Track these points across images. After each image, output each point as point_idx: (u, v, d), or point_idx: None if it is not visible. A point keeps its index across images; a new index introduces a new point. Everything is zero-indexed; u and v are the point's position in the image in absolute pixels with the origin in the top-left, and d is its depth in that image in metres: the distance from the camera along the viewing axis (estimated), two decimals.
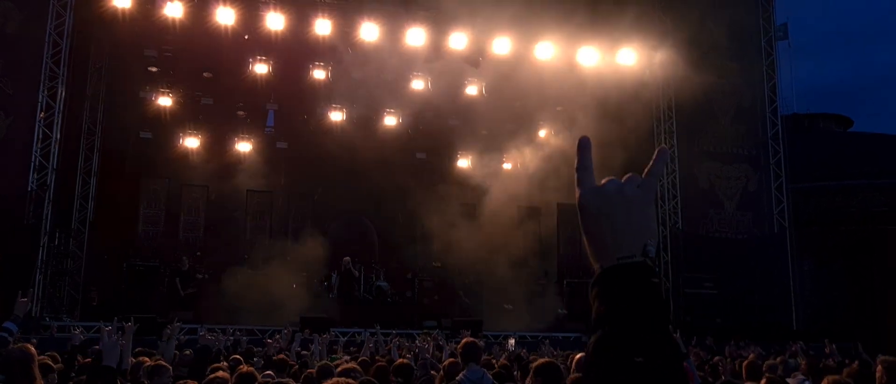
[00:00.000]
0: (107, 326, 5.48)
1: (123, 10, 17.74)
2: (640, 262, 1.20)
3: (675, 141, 21.53)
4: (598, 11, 19.82)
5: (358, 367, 6.14)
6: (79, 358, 8.10)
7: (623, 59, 20.82)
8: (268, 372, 6.80)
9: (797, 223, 22.04)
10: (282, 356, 8.16)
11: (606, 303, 1.17)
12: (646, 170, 1.30)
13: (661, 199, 21.51)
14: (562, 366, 5.79)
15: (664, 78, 21.07)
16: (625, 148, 20.21)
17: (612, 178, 1.30)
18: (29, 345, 4.89)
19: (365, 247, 21.15)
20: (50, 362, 5.81)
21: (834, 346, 12.18)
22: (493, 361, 8.31)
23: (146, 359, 5.62)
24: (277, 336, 12.79)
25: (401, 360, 6.71)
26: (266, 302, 18.03)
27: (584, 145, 1.34)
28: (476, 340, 6.76)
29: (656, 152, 1.32)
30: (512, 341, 14.05)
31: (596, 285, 1.21)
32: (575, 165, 1.30)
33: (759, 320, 19.26)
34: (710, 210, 21.45)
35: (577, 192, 1.29)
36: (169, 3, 17.94)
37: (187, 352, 8.72)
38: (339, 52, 19.63)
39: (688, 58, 20.29)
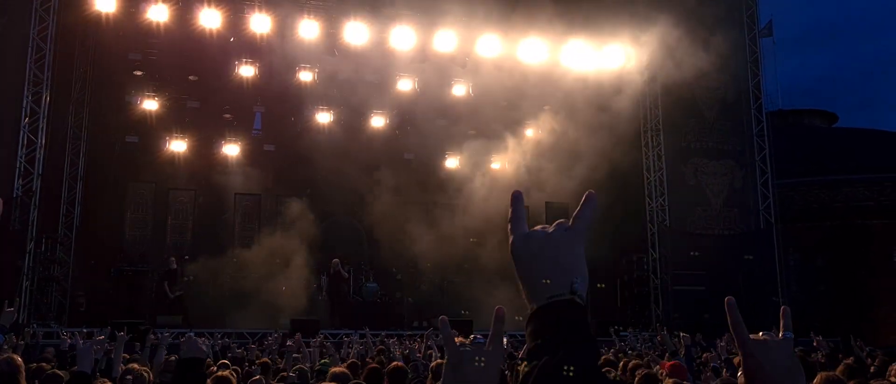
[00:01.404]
0: (68, 331, 5.46)
1: (107, 14, 17.65)
2: (567, 300, 1.29)
3: (661, 138, 21.65)
4: (582, 9, 19.89)
5: (347, 372, 6.14)
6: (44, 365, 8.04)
7: (608, 56, 20.91)
8: (257, 377, 6.79)
9: (783, 219, 22.19)
10: (265, 360, 8.14)
11: (538, 338, 1.26)
12: (573, 214, 1.38)
13: (649, 197, 21.63)
14: None
15: (650, 75, 21.18)
16: (612, 145, 20.33)
17: (543, 226, 1.39)
18: (15, 356, 4.87)
19: (354, 249, 21.14)
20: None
21: (821, 340, 12.26)
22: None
23: (135, 365, 5.60)
24: (268, 339, 12.77)
25: (395, 364, 6.71)
26: (255, 305, 18.00)
27: (516, 198, 1.43)
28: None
29: (585, 197, 1.39)
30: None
31: (530, 323, 1.30)
32: (508, 217, 1.39)
33: (747, 316, 19.36)
34: (697, 207, 21.57)
35: (510, 239, 1.38)
36: (153, 7, 17.87)
37: (172, 357, 8.69)
38: (326, 53, 19.62)
39: (673, 55, 20.38)
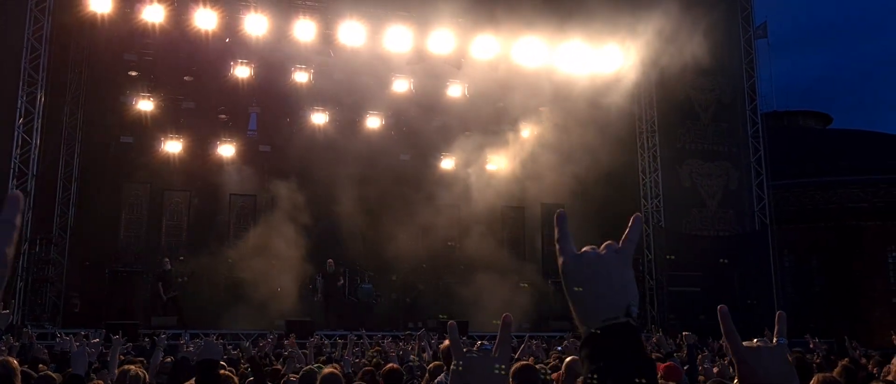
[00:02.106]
0: (65, 333, 5.45)
1: (102, 15, 17.61)
2: (624, 323, 1.28)
3: (656, 139, 21.69)
4: (578, 11, 19.90)
5: (338, 372, 6.12)
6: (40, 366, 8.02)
7: (603, 57, 20.92)
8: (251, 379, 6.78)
9: (778, 220, 22.25)
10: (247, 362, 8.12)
11: (596, 363, 1.25)
12: (622, 237, 1.39)
13: (644, 198, 21.67)
14: (539, 368, 5.80)
15: (645, 76, 21.20)
16: (607, 146, 20.37)
17: (592, 246, 1.39)
18: (10, 359, 4.86)
19: (349, 250, 21.12)
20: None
21: (817, 341, 12.29)
22: None
23: (131, 367, 5.59)
24: (263, 341, 12.73)
25: (391, 365, 6.70)
26: (250, 306, 17.97)
27: (561, 218, 1.42)
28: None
29: (632, 220, 1.39)
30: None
31: (585, 347, 1.29)
32: (555, 236, 1.39)
33: (742, 317, 19.42)
34: (693, 208, 21.62)
35: (560, 260, 1.37)
36: (148, 7, 17.84)
37: (169, 359, 8.67)
38: (322, 54, 19.61)
39: (668, 56, 20.42)
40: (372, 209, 20.91)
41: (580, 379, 1.31)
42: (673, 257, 20.83)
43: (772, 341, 1.52)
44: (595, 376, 1.24)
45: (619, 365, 1.23)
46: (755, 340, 1.50)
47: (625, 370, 1.22)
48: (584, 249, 1.37)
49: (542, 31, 20.01)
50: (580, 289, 1.33)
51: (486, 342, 1.48)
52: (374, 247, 20.98)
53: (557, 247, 1.37)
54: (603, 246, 1.37)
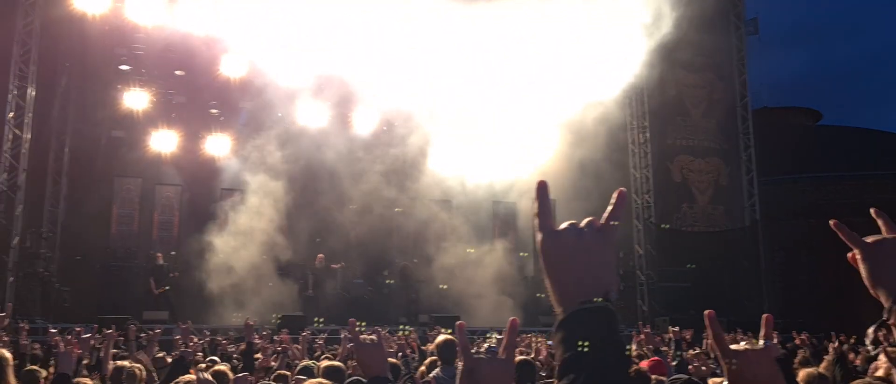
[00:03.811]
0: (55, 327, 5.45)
1: (93, 10, 17.55)
2: (602, 307, 1.22)
3: (647, 134, 21.75)
4: (568, 4, 19.87)
5: (342, 365, 6.16)
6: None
7: (594, 51, 20.88)
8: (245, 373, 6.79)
9: (768, 216, 22.37)
10: (260, 356, 8.15)
11: (571, 349, 1.19)
12: (605, 214, 1.31)
13: (635, 193, 21.73)
14: (535, 361, 5.85)
15: (636, 71, 21.19)
16: (598, 141, 20.39)
17: (573, 222, 1.31)
18: (3, 350, 4.87)
19: (340, 245, 21.08)
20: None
21: (805, 337, 12.37)
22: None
23: (126, 363, 5.60)
24: (258, 337, 12.73)
25: (390, 360, 6.72)
26: (242, 300, 17.97)
27: (542, 190, 1.33)
28: (452, 338, 6.77)
29: (616, 196, 1.32)
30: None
31: (560, 329, 1.23)
32: (534, 210, 1.31)
33: (732, 313, 19.53)
34: (683, 204, 21.71)
35: (538, 236, 1.29)
36: (137, 4, 17.80)
37: (161, 354, 8.68)
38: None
39: (659, 51, 20.46)
40: (363, 203, 20.87)
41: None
42: (668, 226, 20.89)
43: (758, 342, 1.53)
44: (564, 366, 1.18)
45: (593, 352, 1.17)
46: (742, 343, 1.50)
47: (599, 358, 1.16)
48: (563, 225, 1.30)
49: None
50: (557, 268, 1.26)
51: (493, 345, 1.49)
52: (365, 242, 20.95)
53: (536, 222, 1.30)
54: (584, 222, 1.30)
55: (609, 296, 1.23)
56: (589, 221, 1.30)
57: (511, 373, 1.39)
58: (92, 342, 7.75)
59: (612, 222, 1.29)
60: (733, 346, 1.49)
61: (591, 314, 1.21)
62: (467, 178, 21.73)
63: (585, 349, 1.16)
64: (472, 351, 1.45)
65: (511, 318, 1.46)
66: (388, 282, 20.73)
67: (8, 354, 4.73)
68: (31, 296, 17.56)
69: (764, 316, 1.59)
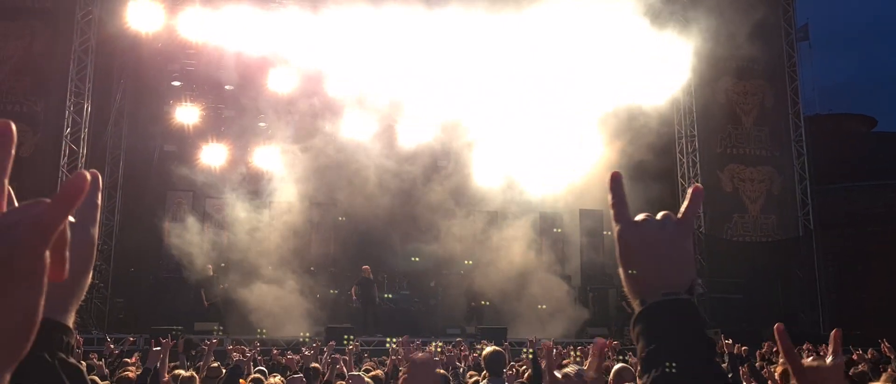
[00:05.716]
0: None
1: (146, 28, 18.01)
2: (685, 300, 1.18)
3: (697, 144, 21.44)
4: (617, 13, 19.73)
5: (381, 375, 6.18)
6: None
7: (643, 60, 20.70)
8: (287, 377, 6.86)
9: (822, 225, 21.84)
10: (316, 365, 8.23)
11: (654, 341, 1.16)
12: (681, 209, 1.28)
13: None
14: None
15: (686, 80, 20.93)
16: (648, 151, 20.14)
17: (649, 214, 1.28)
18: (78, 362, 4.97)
19: (387, 256, 21.18)
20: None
21: (861, 352, 12.01)
22: (519, 369, 8.30)
23: (181, 372, 5.70)
24: (306, 349, 12.86)
25: (438, 370, 6.72)
26: (290, 312, 18.15)
27: (616, 180, 1.31)
28: (501, 350, 6.74)
29: (690, 192, 1.30)
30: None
31: (640, 321, 1.19)
32: (610, 201, 1.28)
33: (786, 325, 19.10)
34: (734, 213, 21.32)
35: (616, 227, 1.26)
36: (191, 19, 18.19)
37: (215, 364, 8.80)
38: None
39: (709, 59, 20.19)
40: (410, 215, 20.94)
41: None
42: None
43: (825, 356, 1.51)
44: (647, 359, 1.14)
45: (677, 346, 1.13)
46: (811, 358, 1.48)
47: (684, 353, 1.12)
48: (640, 217, 1.27)
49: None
50: (638, 259, 1.22)
51: (581, 368, 1.47)
52: (412, 254, 21.00)
53: (613, 212, 1.27)
54: (660, 215, 1.27)
55: (693, 290, 1.20)
56: (666, 214, 1.27)
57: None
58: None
59: (689, 216, 1.27)
60: (805, 362, 1.46)
61: (675, 305, 1.18)
62: (513, 188, 21.65)
63: (673, 371, 1.11)
64: (559, 375, 1.41)
65: (596, 339, 1.42)
66: (431, 285, 20.77)
67: (82, 364, 4.84)
68: (87, 308, 17.98)
69: (833, 331, 1.56)
